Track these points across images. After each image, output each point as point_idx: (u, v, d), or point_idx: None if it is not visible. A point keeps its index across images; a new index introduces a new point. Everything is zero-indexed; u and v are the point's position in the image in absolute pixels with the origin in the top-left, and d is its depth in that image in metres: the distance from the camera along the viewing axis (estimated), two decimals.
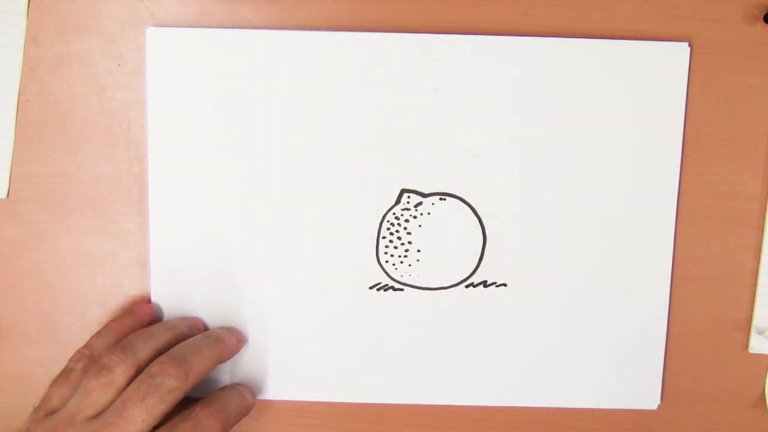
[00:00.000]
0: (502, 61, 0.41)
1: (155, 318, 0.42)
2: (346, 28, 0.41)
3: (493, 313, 0.42)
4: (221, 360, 0.40)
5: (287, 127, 0.41)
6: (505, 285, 0.42)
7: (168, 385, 0.36)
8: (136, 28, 0.41)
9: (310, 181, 0.41)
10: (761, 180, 0.42)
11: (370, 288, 0.42)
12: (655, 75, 0.41)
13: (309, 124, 0.41)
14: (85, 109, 0.41)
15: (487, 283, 0.42)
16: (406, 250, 0.42)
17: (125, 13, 0.41)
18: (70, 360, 0.39)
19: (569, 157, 0.41)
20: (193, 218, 0.41)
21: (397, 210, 0.42)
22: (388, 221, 0.42)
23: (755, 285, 0.42)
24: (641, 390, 0.43)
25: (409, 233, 0.42)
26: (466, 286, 0.42)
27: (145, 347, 0.37)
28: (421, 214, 0.42)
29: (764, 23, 0.41)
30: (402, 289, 0.42)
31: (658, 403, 0.43)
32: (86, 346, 0.39)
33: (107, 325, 0.40)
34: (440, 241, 0.42)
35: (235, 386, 0.41)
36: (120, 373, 0.36)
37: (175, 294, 0.42)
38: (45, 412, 0.37)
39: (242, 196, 0.41)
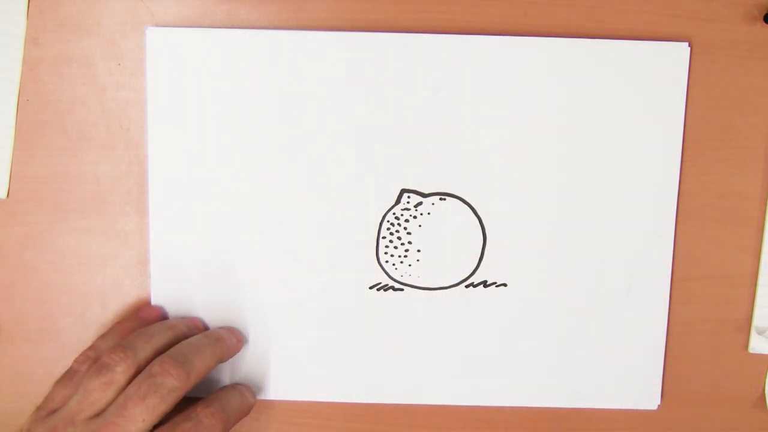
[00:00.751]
0: (502, 61, 0.41)
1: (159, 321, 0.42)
2: (346, 28, 0.41)
3: (493, 313, 0.42)
4: (222, 360, 0.40)
5: (287, 127, 0.41)
6: (505, 285, 0.42)
7: (169, 384, 0.36)
8: (136, 28, 0.41)
9: (310, 181, 0.41)
10: (761, 180, 0.42)
11: (370, 288, 0.42)
12: (655, 75, 0.41)
13: (309, 124, 0.41)
14: (85, 109, 0.41)
15: (487, 283, 0.42)
16: (406, 250, 0.42)
17: (125, 13, 0.41)
18: (74, 361, 0.39)
19: (569, 156, 0.41)
20: (193, 218, 0.41)
21: (397, 210, 0.42)
22: (388, 221, 0.42)
23: (755, 285, 0.42)
24: (641, 390, 0.43)
25: (409, 233, 0.42)
26: (466, 286, 0.42)
27: (145, 347, 0.37)
28: (421, 214, 0.42)
29: (764, 23, 0.41)
30: (402, 289, 0.42)
31: (658, 403, 0.43)
32: (91, 348, 0.39)
33: (112, 327, 0.41)
34: (440, 241, 0.42)
35: (236, 386, 0.41)
36: (120, 372, 0.36)
37: (175, 294, 0.42)
38: (47, 411, 0.37)
39: (242, 196, 0.41)
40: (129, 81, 0.41)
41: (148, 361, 0.37)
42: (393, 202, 0.42)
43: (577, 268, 0.42)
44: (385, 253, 0.42)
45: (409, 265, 0.42)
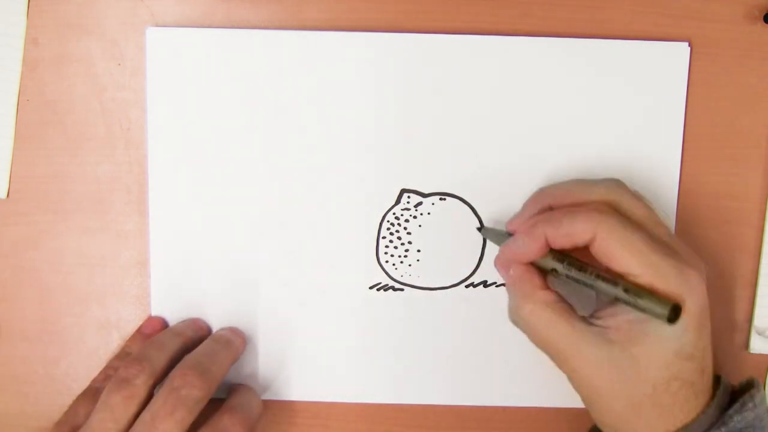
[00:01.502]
0: (502, 61, 0.41)
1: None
2: (346, 28, 0.41)
3: (493, 313, 0.42)
4: (234, 362, 0.40)
5: (287, 127, 0.41)
6: (504, 285, 0.42)
7: (194, 396, 0.35)
8: (136, 28, 0.41)
9: (310, 181, 0.41)
10: (761, 180, 0.42)
11: (370, 288, 0.42)
12: (655, 75, 0.41)
13: (309, 124, 0.41)
14: (85, 109, 0.41)
15: (487, 283, 0.42)
16: (406, 250, 0.42)
17: (125, 13, 0.41)
18: (93, 380, 0.39)
19: (569, 156, 0.41)
20: (193, 218, 0.41)
21: (397, 210, 0.42)
22: (388, 221, 0.42)
23: (755, 285, 0.42)
24: None
25: (409, 233, 0.42)
26: (466, 286, 0.42)
27: (159, 356, 0.37)
28: (421, 214, 0.42)
29: (764, 23, 0.41)
30: (402, 289, 0.42)
31: None
32: (108, 367, 0.40)
33: (124, 345, 0.41)
34: (440, 241, 0.42)
35: (250, 388, 0.41)
36: (141, 384, 0.35)
37: (175, 294, 0.42)
38: (69, 427, 0.36)
39: (242, 196, 0.41)
40: (129, 81, 0.41)
41: (164, 370, 0.37)
42: (393, 202, 0.42)
43: None
44: (385, 253, 0.42)
45: (409, 265, 0.42)
